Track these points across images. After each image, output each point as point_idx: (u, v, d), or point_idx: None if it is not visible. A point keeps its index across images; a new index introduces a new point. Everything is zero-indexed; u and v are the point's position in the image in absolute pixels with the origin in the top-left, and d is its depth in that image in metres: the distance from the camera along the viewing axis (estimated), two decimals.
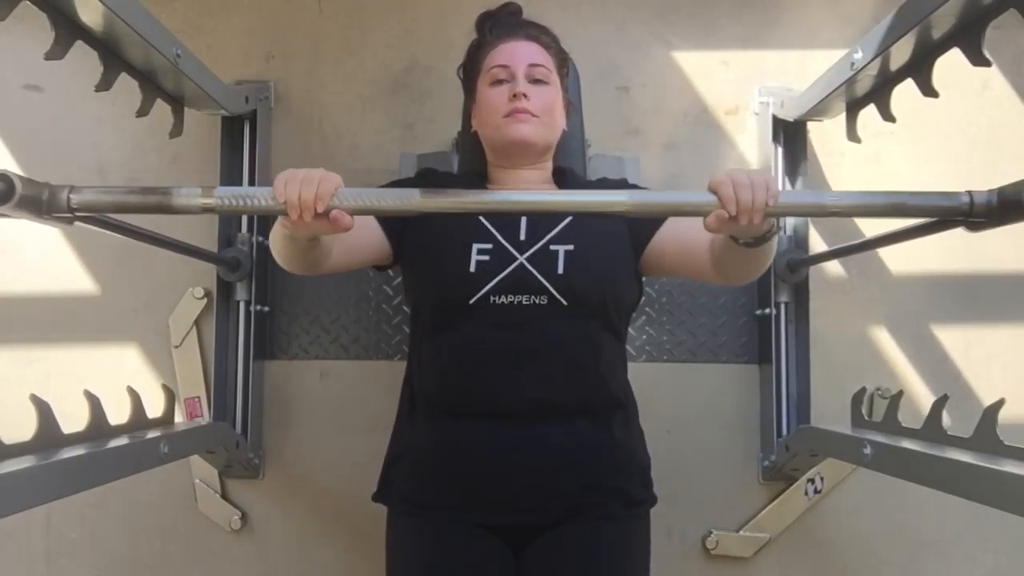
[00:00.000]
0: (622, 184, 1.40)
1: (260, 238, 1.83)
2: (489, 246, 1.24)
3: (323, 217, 0.98)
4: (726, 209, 0.94)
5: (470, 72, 1.38)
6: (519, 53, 1.29)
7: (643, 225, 1.27)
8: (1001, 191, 1.03)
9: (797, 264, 1.79)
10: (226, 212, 1.04)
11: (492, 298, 1.21)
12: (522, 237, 1.26)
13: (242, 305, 1.83)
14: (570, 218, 1.27)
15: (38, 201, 1.02)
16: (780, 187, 0.93)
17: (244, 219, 1.84)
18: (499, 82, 1.29)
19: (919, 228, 1.23)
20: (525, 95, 1.26)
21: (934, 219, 1.15)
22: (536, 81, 1.28)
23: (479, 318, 1.21)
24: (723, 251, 1.11)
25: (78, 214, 1.05)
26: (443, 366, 1.25)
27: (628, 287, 1.30)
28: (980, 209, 1.04)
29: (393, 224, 1.28)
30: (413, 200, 1.02)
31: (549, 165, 1.38)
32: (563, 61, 1.37)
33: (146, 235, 1.36)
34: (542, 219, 1.27)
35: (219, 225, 1.84)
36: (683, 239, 1.24)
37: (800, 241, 1.85)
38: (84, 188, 1.04)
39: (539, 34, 1.34)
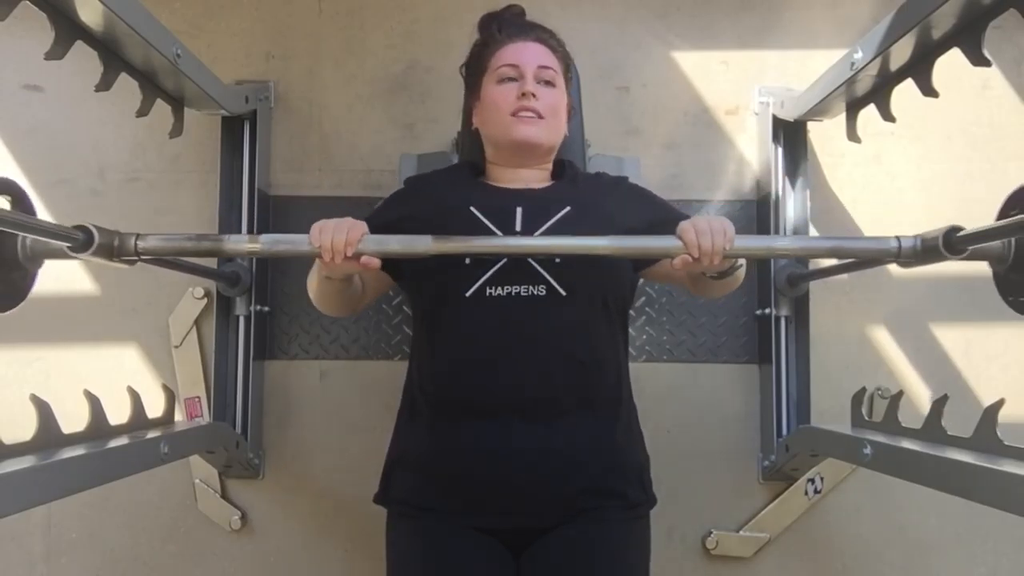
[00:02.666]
0: (621, 180, 1.40)
1: None
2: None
3: (353, 259, 1.11)
4: (689, 253, 1.09)
5: (475, 70, 1.37)
6: (529, 53, 1.29)
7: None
8: (923, 237, 1.19)
9: (797, 279, 1.79)
10: (268, 256, 1.26)
11: (488, 290, 1.20)
12: (517, 228, 1.25)
13: (241, 316, 1.84)
14: (567, 209, 1.26)
15: (110, 247, 1.17)
16: (735, 230, 1.12)
17: (243, 234, 1.84)
18: (507, 80, 1.29)
19: None
20: (534, 95, 1.26)
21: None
22: (544, 83, 1.29)
23: (476, 312, 1.20)
24: (695, 279, 1.27)
25: (143, 257, 1.21)
26: (440, 364, 1.25)
27: (624, 278, 1.30)
28: (907, 252, 1.20)
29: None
30: (427, 245, 1.15)
31: (550, 166, 1.38)
32: (568, 66, 1.37)
33: None
34: (538, 211, 1.26)
35: None
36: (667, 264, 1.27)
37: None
38: (149, 236, 1.20)
39: (548, 37, 1.34)
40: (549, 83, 1.29)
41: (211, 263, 1.81)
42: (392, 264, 1.31)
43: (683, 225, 1.12)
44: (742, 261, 1.21)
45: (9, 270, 1.21)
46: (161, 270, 1.84)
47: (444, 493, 1.22)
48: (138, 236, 1.19)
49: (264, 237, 1.17)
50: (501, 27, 1.34)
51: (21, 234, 1.20)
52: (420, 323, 1.30)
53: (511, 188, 1.33)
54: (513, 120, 1.26)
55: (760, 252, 1.30)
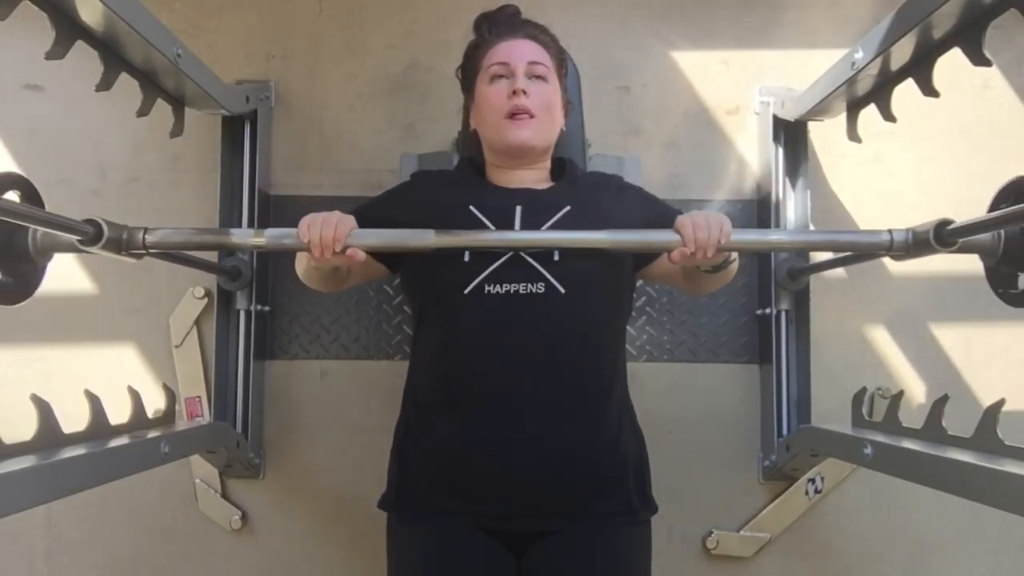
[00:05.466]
0: (616, 180, 1.41)
1: None
2: None
3: (341, 253, 1.13)
4: (686, 246, 1.12)
5: (469, 72, 1.38)
6: (518, 51, 1.29)
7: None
8: (915, 231, 1.21)
9: (797, 273, 1.79)
10: (273, 250, 1.37)
11: (487, 287, 1.20)
12: (517, 227, 1.25)
13: (242, 311, 1.84)
14: (567, 209, 1.27)
15: (119, 241, 1.19)
16: (732, 225, 1.15)
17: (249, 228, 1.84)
18: (498, 78, 1.29)
19: None
20: (525, 92, 1.26)
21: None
22: (535, 78, 1.29)
23: (475, 310, 1.20)
24: (690, 273, 1.30)
25: (151, 251, 1.23)
26: (438, 362, 1.25)
27: (623, 276, 1.30)
28: (899, 245, 1.22)
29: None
30: (418, 240, 1.17)
31: (548, 163, 1.38)
32: (561, 60, 1.37)
33: None
34: (538, 211, 1.27)
35: None
36: (665, 262, 1.29)
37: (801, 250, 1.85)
38: (156, 230, 1.22)
39: (538, 33, 1.34)
40: (540, 78, 1.29)
41: (212, 257, 1.81)
42: (390, 257, 1.32)
43: (681, 219, 1.14)
44: (735, 255, 1.24)
45: (19, 263, 1.22)
46: (162, 269, 1.85)
47: (446, 493, 1.22)
48: (146, 230, 1.21)
49: (269, 231, 1.19)
50: (492, 27, 1.35)
51: (31, 227, 1.20)
52: (418, 321, 1.30)
53: (511, 188, 1.33)
54: (507, 123, 1.27)
55: (756, 245, 1.33)
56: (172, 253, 1.48)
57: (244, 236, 1.27)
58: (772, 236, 1.27)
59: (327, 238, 1.11)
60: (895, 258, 1.26)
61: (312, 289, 1.85)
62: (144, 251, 1.22)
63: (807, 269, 1.78)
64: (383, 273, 1.37)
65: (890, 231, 1.23)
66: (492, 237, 1.20)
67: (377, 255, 1.29)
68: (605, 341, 1.26)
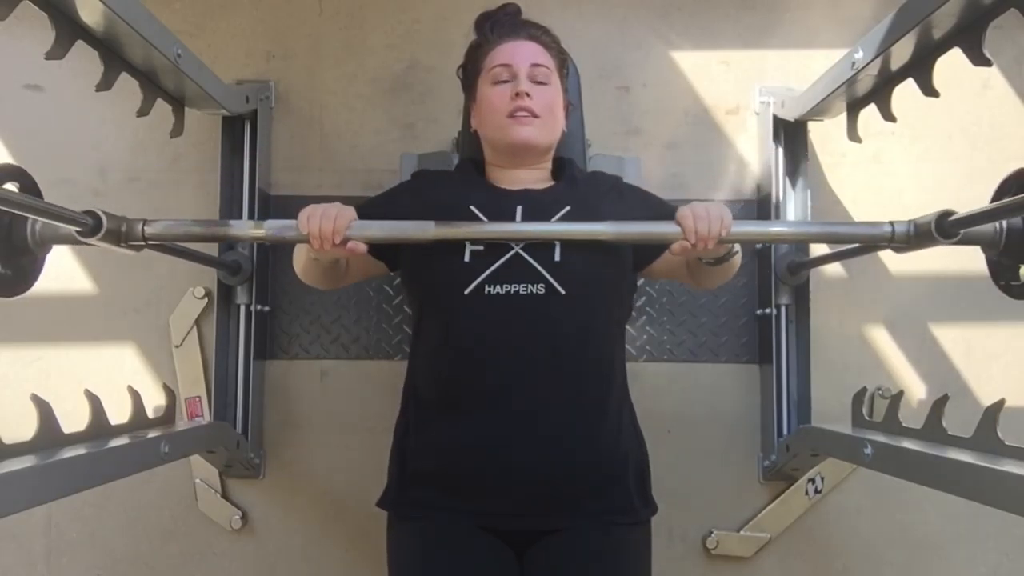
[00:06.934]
0: (617, 180, 1.41)
1: None
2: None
3: (341, 245, 1.14)
4: (687, 238, 1.13)
5: (470, 72, 1.38)
6: (521, 53, 1.29)
7: (650, 248, 1.34)
8: (916, 222, 1.21)
9: (797, 267, 1.79)
10: (272, 241, 1.31)
11: (487, 288, 1.20)
12: None
13: (243, 305, 1.83)
14: (566, 209, 1.27)
15: (118, 233, 1.20)
16: (732, 216, 1.15)
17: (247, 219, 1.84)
18: (501, 82, 1.29)
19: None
20: (528, 94, 1.26)
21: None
22: (538, 82, 1.29)
23: (475, 310, 1.21)
24: (694, 267, 1.31)
25: (150, 243, 1.23)
26: (439, 362, 1.25)
27: (623, 277, 1.30)
28: (900, 237, 1.23)
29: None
30: (417, 231, 1.19)
31: (549, 164, 1.39)
32: (563, 61, 1.37)
33: None
34: (537, 211, 1.27)
35: None
36: (667, 257, 1.32)
37: (801, 244, 1.85)
38: (155, 221, 1.23)
39: (540, 34, 1.34)
40: (543, 82, 1.29)
41: (212, 251, 1.81)
42: (388, 254, 1.32)
43: (682, 211, 1.15)
44: (737, 248, 1.24)
45: (18, 255, 1.22)
46: (162, 267, 1.86)
47: (446, 492, 1.22)
48: (145, 222, 1.22)
49: (269, 223, 1.21)
50: (494, 27, 1.35)
51: (31, 219, 1.21)
52: (418, 320, 1.30)
53: (512, 189, 1.33)
54: (509, 122, 1.27)
55: (756, 237, 1.34)
56: (172, 246, 1.47)
57: (244, 228, 1.29)
58: (773, 228, 1.31)
59: (327, 230, 1.12)
60: (897, 250, 1.26)
61: (312, 289, 1.86)
62: (143, 243, 1.22)
63: (807, 263, 1.78)
64: (382, 271, 1.38)
65: (891, 223, 1.23)
66: (492, 229, 1.21)
67: (377, 252, 1.29)
68: (605, 341, 1.26)
